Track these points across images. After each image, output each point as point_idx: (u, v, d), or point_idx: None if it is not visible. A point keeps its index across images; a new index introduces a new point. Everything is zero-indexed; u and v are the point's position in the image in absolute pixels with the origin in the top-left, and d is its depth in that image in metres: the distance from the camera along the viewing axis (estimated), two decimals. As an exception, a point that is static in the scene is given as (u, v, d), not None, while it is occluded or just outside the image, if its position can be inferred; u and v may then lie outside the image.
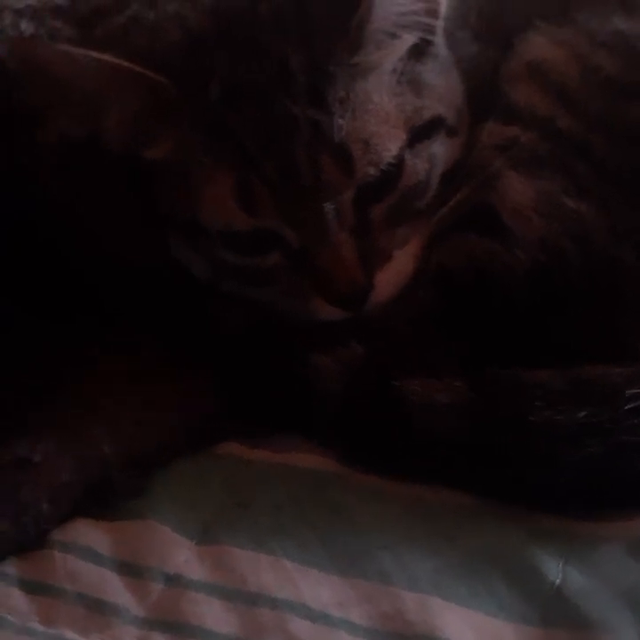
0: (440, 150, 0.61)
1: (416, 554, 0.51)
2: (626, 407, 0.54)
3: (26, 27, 0.67)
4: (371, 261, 0.58)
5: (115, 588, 0.50)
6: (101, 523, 0.54)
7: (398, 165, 0.58)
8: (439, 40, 0.62)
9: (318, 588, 0.49)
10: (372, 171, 0.57)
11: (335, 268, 0.57)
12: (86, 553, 0.52)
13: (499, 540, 0.51)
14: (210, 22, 0.59)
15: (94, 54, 0.56)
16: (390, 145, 0.57)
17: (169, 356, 0.59)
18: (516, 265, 0.61)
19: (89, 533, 0.53)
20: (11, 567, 0.52)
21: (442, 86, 0.62)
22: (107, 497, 0.55)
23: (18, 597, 0.50)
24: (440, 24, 0.60)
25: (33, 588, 0.51)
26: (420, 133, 0.59)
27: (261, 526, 0.53)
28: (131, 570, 0.51)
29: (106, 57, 0.56)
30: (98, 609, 0.49)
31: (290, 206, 0.56)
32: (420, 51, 0.60)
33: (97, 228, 0.64)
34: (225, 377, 0.60)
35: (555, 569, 0.49)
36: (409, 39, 0.59)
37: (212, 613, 0.49)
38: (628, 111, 0.64)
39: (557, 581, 0.49)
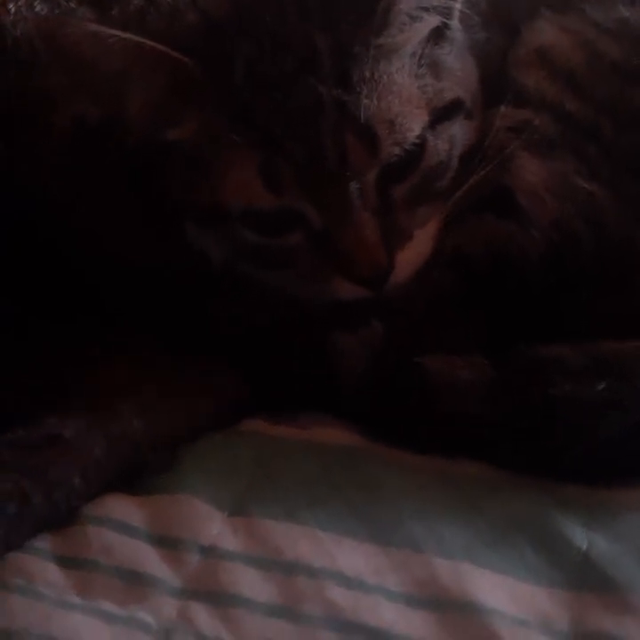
0: (459, 132, 0.62)
1: (445, 522, 0.52)
2: (643, 380, 0.56)
3: (40, 7, 0.67)
4: (392, 241, 0.59)
5: (150, 560, 0.50)
6: (133, 497, 0.54)
7: (421, 146, 0.59)
8: (456, 24, 0.63)
9: (353, 556, 0.50)
10: (396, 151, 0.58)
11: (358, 247, 0.58)
12: (120, 526, 0.52)
13: (524, 509, 0.53)
14: (229, 7, 0.61)
15: (120, 34, 0.56)
16: (414, 125, 0.58)
17: (190, 341, 0.60)
18: (531, 246, 0.62)
19: (121, 508, 0.53)
20: (45, 542, 0.52)
21: (459, 70, 0.63)
22: (137, 473, 0.55)
23: (53, 571, 0.50)
24: (458, 7, 0.62)
25: (68, 562, 0.51)
26: (442, 115, 0.61)
27: (292, 498, 0.54)
28: (165, 542, 0.52)
29: (131, 36, 0.56)
30: (135, 581, 0.50)
31: (314, 186, 0.57)
32: (439, 34, 0.62)
33: (99, 228, 0.64)
34: (247, 359, 0.61)
35: (580, 535, 0.51)
36: (430, 22, 0.60)
37: (250, 582, 0.49)
38: (634, 96, 0.65)
39: (584, 547, 0.51)
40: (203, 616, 0.48)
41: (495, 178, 0.64)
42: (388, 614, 0.48)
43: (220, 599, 0.49)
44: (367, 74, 0.58)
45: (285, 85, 0.57)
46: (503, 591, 0.49)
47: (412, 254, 0.61)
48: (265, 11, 0.59)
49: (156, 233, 0.65)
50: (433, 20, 0.61)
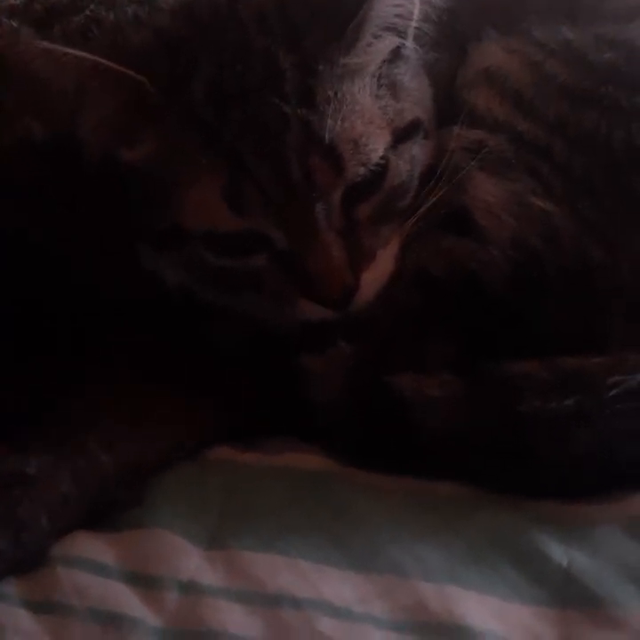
0: (418, 152, 0.62)
1: (424, 545, 0.52)
2: (609, 394, 0.57)
3: None
4: (357, 261, 0.59)
5: (127, 601, 0.48)
6: (103, 535, 0.52)
7: (384, 166, 0.59)
8: (411, 43, 0.63)
9: (337, 585, 0.49)
10: (361, 171, 0.58)
11: (324, 268, 0.58)
12: (91, 566, 0.50)
13: (501, 527, 0.53)
14: (185, 23, 0.59)
15: (74, 52, 0.55)
16: (377, 146, 0.58)
17: (157, 367, 0.59)
18: (491, 263, 0.63)
19: (91, 546, 0.51)
20: (11, 587, 0.49)
21: (416, 89, 0.64)
22: (106, 508, 0.53)
23: (23, 618, 0.47)
24: (413, 25, 0.62)
25: (38, 607, 0.48)
26: (403, 136, 0.61)
27: (268, 528, 0.53)
28: (141, 580, 0.50)
29: (86, 55, 0.55)
30: (112, 623, 0.47)
31: (279, 207, 0.56)
32: (396, 53, 0.62)
33: (53, 245, 0.62)
34: (214, 385, 0.59)
35: (559, 552, 0.51)
36: (392, 41, 0.60)
37: (234, 618, 0.48)
38: (583, 118, 0.67)
39: (564, 563, 0.51)
40: (188, 657, 0.47)
41: (453, 198, 0.64)
42: (377, 643, 0.48)
43: (204, 637, 0.47)
44: (330, 93, 0.58)
45: (249, 104, 0.56)
46: (490, 612, 0.48)
47: (376, 274, 0.61)
48: (224, 28, 0.58)
49: (111, 255, 0.63)
50: (394, 40, 0.61)
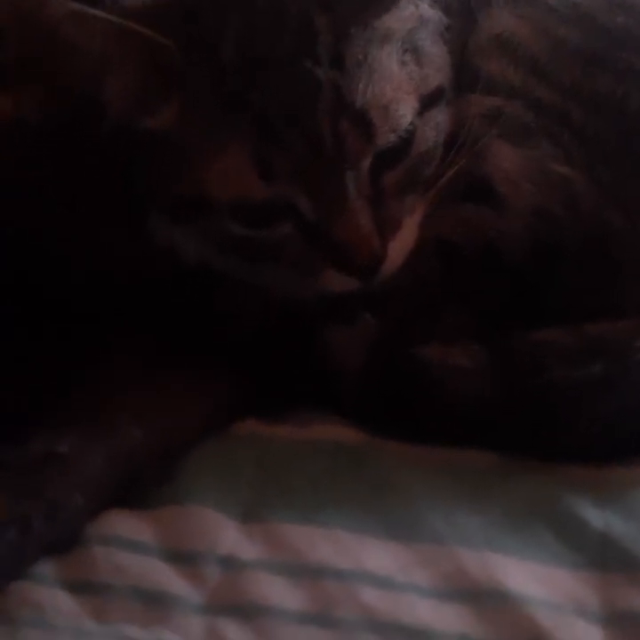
0: (442, 120, 0.61)
1: (462, 513, 0.51)
2: (635, 357, 0.57)
3: None
4: (385, 230, 0.58)
5: (168, 578, 0.48)
6: (137, 513, 0.51)
7: (412, 133, 0.58)
8: (429, 10, 0.62)
9: (378, 555, 0.49)
10: (391, 137, 0.57)
11: (353, 237, 0.56)
12: (129, 545, 0.49)
13: (536, 494, 0.53)
14: None
15: (101, 15, 0.53)
16: (406, 112, 0.57)
17: (180, 342, 0.58)
18: (512, 232, 0.62)
19: (127, 525, 0.50)
20: (48, 568, 0.48)
21: (437, 56, 0.62)
22: (138, 485, 0.52)
23: (64, 599, 0.47)
24: None
25: (78, 587, 0.48)
26: (428, 102, 0.60)
27: (303, 500, 0.52)
28: (180, 557, 0.49)
29: (113, 18, 0.53)
30: (154, 601, 0.47)
31: (308, 174, 0.55)
32: (419, 20, 0.61)
33: (59, 223, 0.60)
34: (239, 358, 0.58)
35: (595, 515, 0.51)
36: (421, 8, 0.59)
37: (277, 591, 0.47)
38: (597, 83, 0.67)
39: (600, 527, 0.51)
40: (233, 631, 0.46)
41: (473, 166, 0.63)
42: (423, 612, 0.47)
43: (248, 611, 0.47)
44: (360, 57, 0.56)
45: (281, 67, 0.54)
46: (531, 577, 0.49)
47: (402, 243, 0.60)
48: None
49: (124, 229, 0.62)
50: (423, 6, 0.60)
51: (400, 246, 0.60)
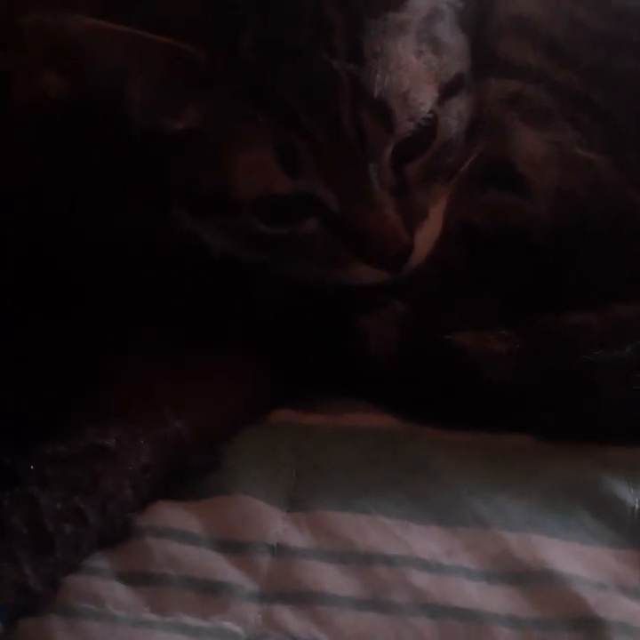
0: (463, 107, 0.62)
1: (502, 496, 0.53)
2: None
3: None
4: (411, 220, 0.58)
5: (221, 567, 0.49)
6: (185, 504, 0.52)
7: (433, 121, 0.58)
8: None
9: (423, 540, 0.50)
10: (411, 126, 0.57)
11: (380, 229, 0.57)
12: (180, 535, 0.50)
13: (572, 475, 0.54)
14: None
15: (121, 28, 0.53)
16: (426, 100, 0.57)
17: (212, 333, 0.58)
18: (536, 216, 0.63)
19: (177, 516, 0.51)
20: (103, 561, 0.49)
21: (454, 44, 0.62)
22: (184, 475, 0.53)
23: (121, 591, 0.47)
24: None
25: (134, 579, 0.48)
26: (448, 91, 0.60)
27: (345, 488, 0.53)
28: (231, 547, 0.50)
29: (129, 29, 0.53)
30: (210, 590, 0.48)
31: (333, 167, 0.55)
32: (434, 8, 0.61)
33: (88, 216, 0.60)
34: (271, 348, 0.59)
35: (630, 495, 0.53)
36: None
37: (330, 578, 0.48)
38: (617, 64, 0.67)
39: (637, 506, 0.53)
40: (290, 618, 0.47)
41: (496, 151, 0.64)
42: (473, 594, 0.48)
43: (303, 599, 0.48)
44: (377, 48, 0.56)
45: (300, 60, 0.55)
46: (574, 557, 0.50)
47: (429, 232, 0.60)
48: None
49: (151, 222, 0.62)
50: None
51: (427, 236, 0.60)
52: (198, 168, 0.57)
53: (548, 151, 0.65)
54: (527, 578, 0.49)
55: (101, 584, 0.47)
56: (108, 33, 0.53)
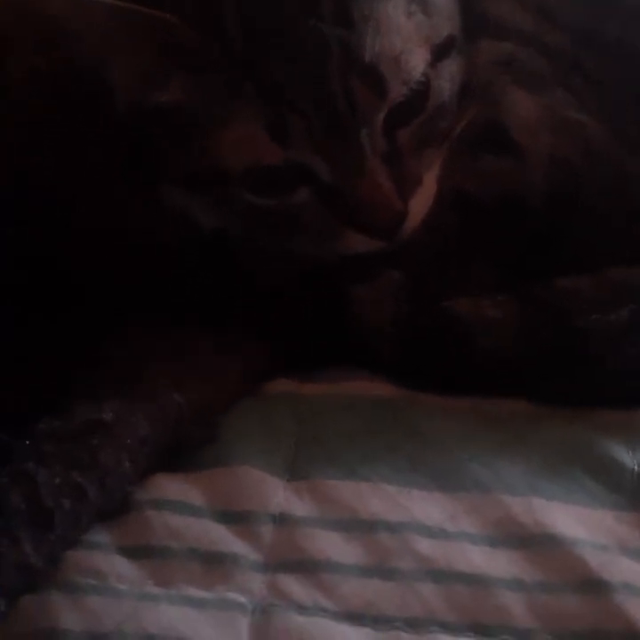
0: (455, 69, 0.61)
1: (502, 461, 0.53)
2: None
3: None
4: (405, 187, 0.58)
5: (224, 538, 0.48)
6: (184, 475, 0.51)
7: (426, 85, 0.57)
8: None
9: (425, 506, 0.50)
10: (403, 90, 0.56)
11: (373, 197, 0.56)
12: (181, 507, 0.49)
13: (571, 438, 0.54)
14: None
15: (104, 0, 0.52)
16: (417, 63, 0.56)
17: (206, 306, 0.57)
18: (530, 181, 0.63)
19: (177, 488, 0.50)
20: (104, 535, 0.48)
21: (444, 3, 0.61)
22: (182, 448, 0.52)
23: (123, 564, 0.47)
24: None
25: (135, 552, 0.48)
26: (440, 52, 0.59)
27: (345, 456, 0.53)
28: (233, 517, 0.49)
29: (113, 1, 0.52)
30: (213, 561, 0.47)
31: (323, 135, 0.54)
32: None
33: (77, 195, 0.59)
34: (266, 320, 0.58)
35: (629, 457, 0.53)
36: None
37: (334, 546, 0.48)
38: (605, 25, 0.67)
39: (636, 468, 0.53)
40: (295, 587, 0.46)
41: (488, 115, 0.63)
42: (477, 558, 0.48)
43: (307, 567, 0.47)
44: (366, 12, 0.55)
45: (287, 29, 0.53)
46: (575, 520, 0.50)
47: (423, 199, 0.59)
48: None
49: (139, 199, 0.61)
50: None
51: (420, 202, 0.59)
52: (186, 142, 0.56)
53: (541, 115, 0.64)
54: (530, 541, 0.49)
55: (103, 558, 0.47)
56: (90, 5, 0.52)
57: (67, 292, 0.57)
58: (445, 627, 0.45)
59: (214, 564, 0.47)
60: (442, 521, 0.50)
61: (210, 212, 0.59)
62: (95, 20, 0.53)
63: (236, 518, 0.50)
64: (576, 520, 0.50)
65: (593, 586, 0.47)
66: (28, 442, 0.49)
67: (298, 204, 0.57)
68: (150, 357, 0.55)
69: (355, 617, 0.46)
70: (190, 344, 0.56)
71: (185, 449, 0.53)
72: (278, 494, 0.51)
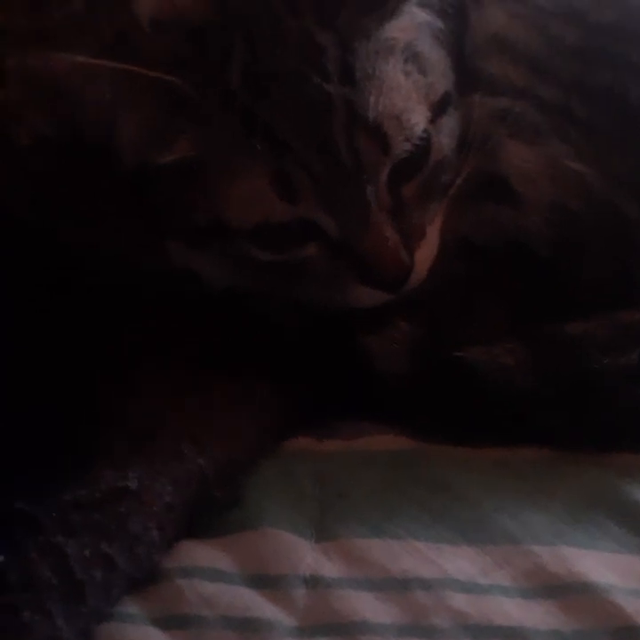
0: (453, 124, 0.62)
1: (527, 511, 0.53)
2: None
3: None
4: (409, 240, 0.59)
5: (257, 604, 0.48)
6: (212, 541, 0.51)
7: (427, 141, 0.59)
8: (423, 15, 0.62)
9: (456, 561, 0.50)
10: (407, 146, 0.57)
11: (380, 251, 0.57)
12: (211, 574, 0.49)
13: (592, 484, 0.55)
14: (209, 8, 0.57)
15: (107, 63, 0.52)
16: (418, 120, 0.58)
17: (224, 362, 0.57)
18: (532, 228, 0.64)
19: (205, 554, 0.50)
20: (134, 606, 0.47)
21: (438, 61, 0.63)
22: (207, 511, 0.52)
23: (157, 636, 0.46)
24: None
25: (168, 622, 0.47)
26: (439, 109, 0.60)
27: (371, 513, 0.53)
28: (264, 582, 0.49)
29: (116, 64, 0.52)
30: (248, 628, 0.47)
31: (329, 192, 0.55)
32: (418, 28, 0.62)
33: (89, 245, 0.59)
34: (282, 375, 0.58)
35: (651, 500, 0.54)
36: (420, 16, 0.60)
37: (369, 607, 0.48)
38: (596, 76, 0.69)
39: (659, 511, 0.54)
40: (333, 650, 0.47)
41: (487, 167, 0.65)
42: (512, 611, 0.48)
43: (344, 630, 0.47)
44: (369, 71, 0.57)
45: (290, 85, 0.54)
46: (606, 566, 0.50)
47: (427, 251, 0.60)
48: (250, 9, 0.55)
49: (148, 256, 0.61)
50: (422, 15, 0.60)
51: (425, 255, 0.60)
52: (193, 200, 0.56)
53: (539, 165, 0.65)
54: (563, 591, 0.49)
55: (136, 630, 0.46)
56: (94, 70, 0.53)
57: (80, 346, 0.57)
58: (486, 682, 0.45)
59: (249, 631, 0.47)
60: (474, 575, 0.49)
61: (217, 269, 0.59)
62: (100, 83, 0.53)
63: (268, 583, 0.49)
64: (606, 566, 0.50)
65: (630, 632, 0.47)
66: (54, 514, 0.48)
67: (306, 259, 0.57)
68: (166, 413, 0.54)
69: (395, 677, 0.45)
70: (208, 402, 0.56)
71: (208, 512, 0.52)
72: (308, 556, 0.50)
